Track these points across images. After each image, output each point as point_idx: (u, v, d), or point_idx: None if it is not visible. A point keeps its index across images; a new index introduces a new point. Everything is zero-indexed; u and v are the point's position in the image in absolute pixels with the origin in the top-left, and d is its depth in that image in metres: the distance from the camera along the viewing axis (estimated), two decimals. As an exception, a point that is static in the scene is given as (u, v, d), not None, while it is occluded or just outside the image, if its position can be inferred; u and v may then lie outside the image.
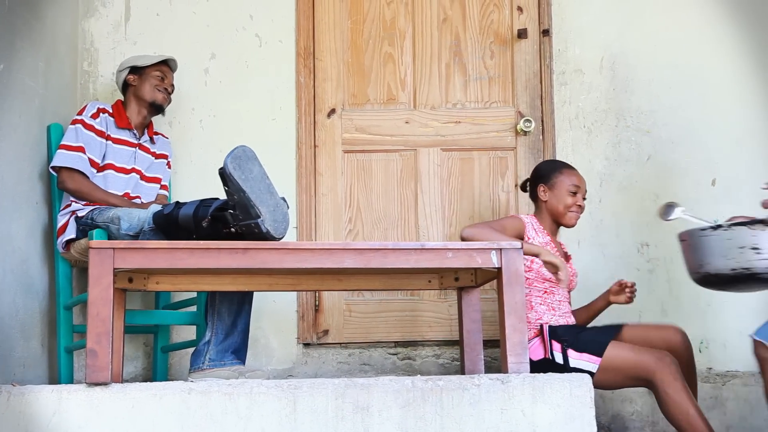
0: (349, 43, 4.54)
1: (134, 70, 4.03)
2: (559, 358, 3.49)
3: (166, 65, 4.09)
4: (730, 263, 3.00)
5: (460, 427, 2.77)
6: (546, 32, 4.50)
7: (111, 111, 3.97)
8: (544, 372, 3.43)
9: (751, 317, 4.25)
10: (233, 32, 4.47)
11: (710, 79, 4.43)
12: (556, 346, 3.52)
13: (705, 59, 4.43)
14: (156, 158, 4.09)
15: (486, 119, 4.47)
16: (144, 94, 4.01)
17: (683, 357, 3.54)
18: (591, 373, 3.39)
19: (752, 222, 2.99)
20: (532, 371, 3.50)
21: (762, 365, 3.22)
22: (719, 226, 3.03)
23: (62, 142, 3.81)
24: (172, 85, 4.10)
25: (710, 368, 4.23)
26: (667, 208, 3.37)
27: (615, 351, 3.43)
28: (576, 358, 3.47)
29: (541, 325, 3.60)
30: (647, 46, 4.45)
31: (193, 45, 4.44)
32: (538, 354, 3.55)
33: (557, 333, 3.56)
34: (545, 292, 3.69)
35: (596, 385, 3.38)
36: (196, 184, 4.25)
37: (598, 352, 3.44)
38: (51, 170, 3.82)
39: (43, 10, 3.97)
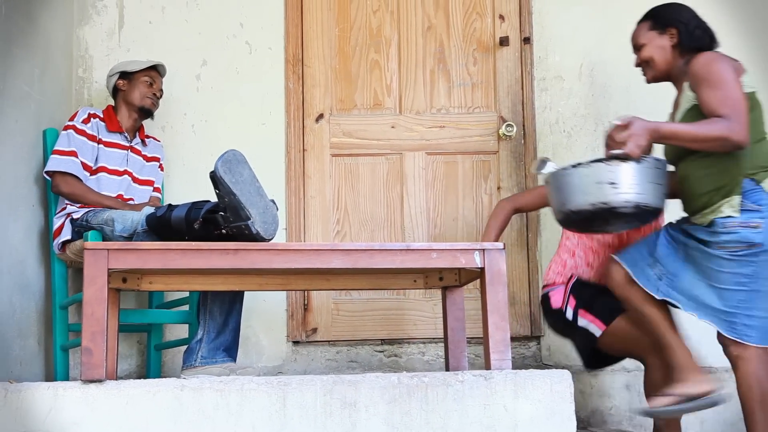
0: (336, 50, 4.54)
1: (124, 75, 4.03)
2: (569, 314, 3.48)
3: (155, 70, 4.08)
4: (588, 198, 2.95)
5: (445, 422, 2.78)
6: (527, 40, 4.51)
7: (102, 116, 3.97)
8: (556, 320, 3.46)
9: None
10: (224, 40, 4.47)
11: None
12: (572, 302, 3.49)
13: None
14: (147, 161, 4.08)
15: (469, 124, 4.48)
16: (133, 99, 4.00)
17: None
18: (594, 336, 3.41)
19: (609, 158, 2.94)
20: (547, 316, 3.58)
21: (626, 299, 3.21)
22: (579, 164, 2.98)
23: (55, 148, 3.81)
24: (161, 90, 4.09)
25: (685, 364, 4.24)
26: (540, 163, 3.30)
27: (621, 324, 3.38)
28: (583, 318, 3.46)
29: (571, 276, 3.58)
30: (624, 54, 4.42)
31: (185, 52, 4.43)
32: (557, 302, 3.54)
33: (578, 289, 3.52)
34: (592, 250, 3.64)
35: (598, 345, 3.43)
36: (188, 187, 4.24)
37: (607, 320, 3.40)
38: (45, 175, 3.81)
39: (38, 18, 3.96)
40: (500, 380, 2.82)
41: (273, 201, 3.26)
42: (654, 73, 3.39)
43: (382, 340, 4.34)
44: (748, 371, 3.14)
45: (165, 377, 3.76)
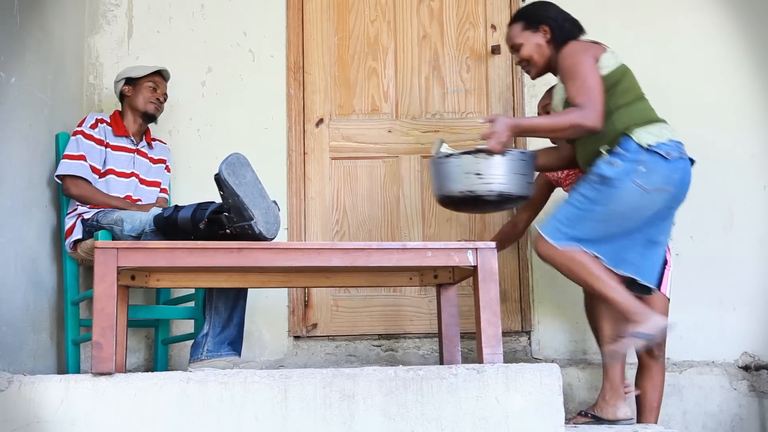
0: (335, 58, 4.55)
1: (129, 81, 4.02)
2: None
3: (159, 75, 4.08)
4: (458, 186, 3.12)
5: (439, 414, 2.78)
6: (518, 48, 4.50)
7: (109, 121, 3.97)
8: None
9: (705, 311, 4.29)
10: (228, 48, 4.47)
11: (667, 91, 4.44)
12: None
13: (665, 74, 4.45)
14: (154, 163, 4.08)
15: (463, 129, 4.48)
16: (137, 104, 4.00)
17: None
18: None
19: (476, 151, 3.10)
20: None
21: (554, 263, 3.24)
22: (451, 155, 3.13)
23: (65, 153, 3.81)
24: (165, 94, 4.09)
25: (668, 358, 4.24)
26: (438, 144, 3.42)
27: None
28: None
29: None
30: (611, 61, 4.47)
31: (191, 59, 4.43)
32: None
33: None
34: None
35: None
36: (194, 188, 4.24)
37: None
38: (56, 178, 3.82)
39: (51, 27, 3.96)
40: (492, 373, 2.82)
41: (275, 202, 3.26)
42: (536, 70, 3.50)
43: (379, 335, 4.34)
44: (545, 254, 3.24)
45: (172, 370, 3.76)
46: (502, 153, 3.12)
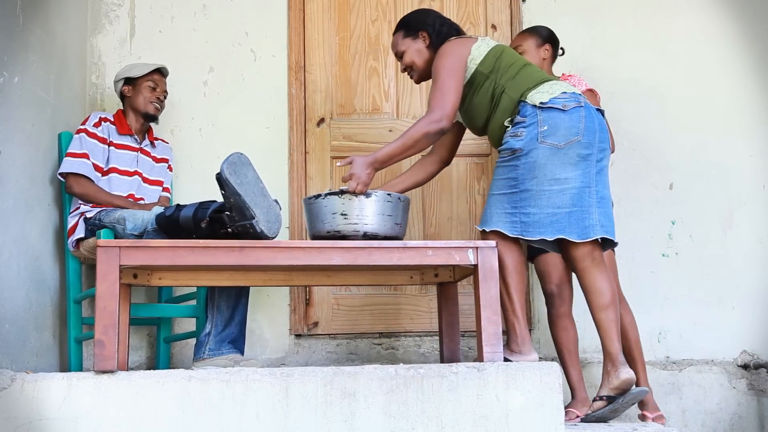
0: (337, 58, 4.54)
1: (128, 81, 4.01)
2: None
3: (158, 73, 4.07)
4: (325, 226, 3.18)
5: (440, 412, 2.78)
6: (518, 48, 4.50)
7: (112, 119, 3.96)
8: None
9: (705, 310, 4.29)
10: (230, 48, 4.47)
11: (667, 92, 4.46)
12: None
13: (664, 74, 4.46)
14: (157, 162, 4.08)
15: (463, 128, 4.48)
16: (137, 105, 3.99)
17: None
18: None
19: (341, 192, 3.16)
20: None
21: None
22: (319, 195, 3.20)
23: (68, 151, 3.81)
24: (165, 92, 4.08)
25: (668, 356, 4.25)
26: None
27: None
28: None
29: None
30: (609, 62, 4.47)
31: (193, 59, 4.43)
32: None
33: None
34: None
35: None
36: (196, 187, 4.24)
37: None
38: (59, 176, 3.81)
39: (54, 27, 3.96)
40: (492, 372, 2.82)
41: (276, 201, 3.26)
42: (419, 74, 3.58)
43: (380, 333, 4.34)
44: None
45: (173, 368, 3.76)
46: (365, 194, 3.16)
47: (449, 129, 3.42)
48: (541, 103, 3.23)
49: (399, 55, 3.59)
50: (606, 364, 3.19)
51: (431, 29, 3.50)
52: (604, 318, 3.20)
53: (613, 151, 3.60)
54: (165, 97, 4.07)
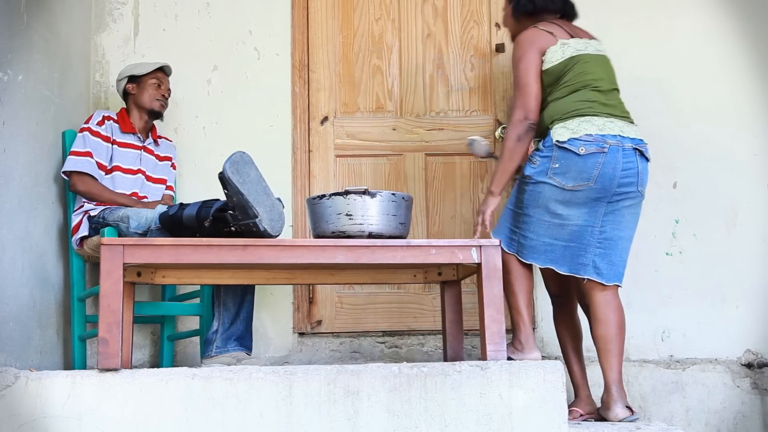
0: (340, 57, 4.54)
1: (132, 78, 4.02)
2: None
3: (162, 71, 4.07)
4: (330, 227, 3.20)
5: (443, 410, 2.78)
6: (522, 47, 4.50)
7: (116, 118, 3.97)
8: None
9: (708, 309, 4.28)
10: (234, 46, 4.47)
11: (671, 91, 4.45)
12: None
13: (668, 73, 4.44)
14: (160, 160, 4.08)
15: (467, 126, 4.48)
16: (143, 102, 4.00)
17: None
18: None
19: (346, 192, 3.18)
20: None
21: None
22: (324, 196, 3.21)
23: (72, 149, 3.81)
24: (169, 90, 4.09)
25: (671, 355, 4.25)
26: (471, 141, 3.75)
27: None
28: None
29: None
30: (614, 61, 4.44)
31: (197, 58, 4.43)
32: None
33: None
34: None
35: None
36: (200, 185, 4.24)
37: None
38: (63, 175, 3.82)
39: (58, 25, 3.96)
40: (496, 370, 2.82)
41: (279, 199, 3.26)
42: (510, 37, 3.71)
43: (383, 331, 4.34)
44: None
45: (177, 366, 3.76)
46: (370, 194, 3.18)
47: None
48: (558, 141, 3.26)
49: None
50: (604, 392, 3.30)
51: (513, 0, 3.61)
52: (602, 347, 3.29)
53: None
54: (169, 95, 4.07)
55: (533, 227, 3.29)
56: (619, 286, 3.32)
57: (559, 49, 3.37)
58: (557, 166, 3.24)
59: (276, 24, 4.49)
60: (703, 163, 4.41)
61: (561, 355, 4.09)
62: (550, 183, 3.25)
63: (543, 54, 3.38)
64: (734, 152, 4.41)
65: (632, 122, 3.43)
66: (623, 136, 3.29)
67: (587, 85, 3.36)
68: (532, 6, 3.55)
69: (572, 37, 3.44)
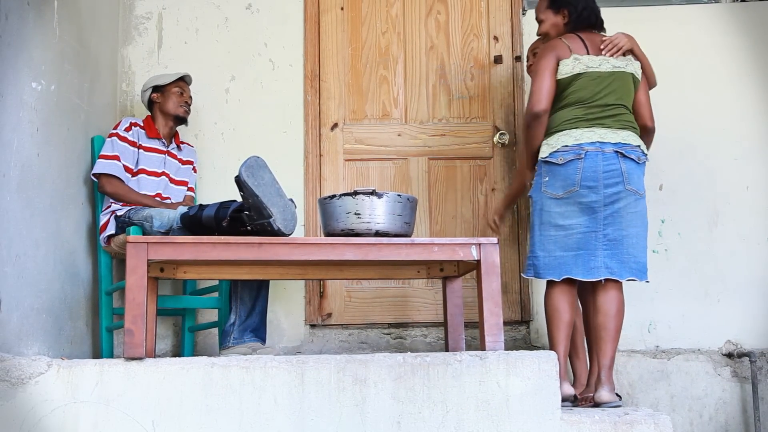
0: (349, 67, 4.54)
1: (156, 89, 4.03)
2: None
3: (183, 81, 4.09)
4: (339, 225, 3.18)
5: (444, 397, 2.78)
6: (518, 58, 4.50)
7: (142, 124, 3.97)
8: None
9: (692, 302, 4.27)
10: (250, 57, 4.47)
11: (657, 100, 4.43)
12: None
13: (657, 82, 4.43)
14: (183, 164, 4.09)
15: (467, 132, 4.47)
16: (168, 109, 4.00)
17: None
18: None
19: (355, 193, 3.18)
20: None
21: None
22: (334, 196, 3.20)
23: (101, 153, 3.82)
24: (190, 97, 4.11)
25: (657, 346, 4.24)
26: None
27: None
28: None
29: None
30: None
31: (216, 68, 4.44)
32: None
33: None
34: None
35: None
36: (218, 187, 4.24)
37: None
38: (92, 177, 3.83)
39: (87, 38, 3.97)
40: (494, 360, 2.82)
41: (292, 200, 3.27)
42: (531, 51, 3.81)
43: (389, 324, 4.34)
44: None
45: (197, 356, 3.77)
46: (377, 194, 3.18)
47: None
48: (542, 158, 3.36)
49: (538, 21, 3.64)
50: (590, 375, 3.42)
51: (573, 9, 3.52)
52: (598, 335, 3.31)
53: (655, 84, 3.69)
54: (191, 101, 4.09)
55: (544, 245, 3.33)
56: (633, 280, 3.36)
57: (570, 63, 3.39)
58: (547, 179, 3.33)
59: (289, 37, 4.50)
60: (687, 167, 4.40)
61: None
62: (545, 196, 3.33)
63: (558, 63, 3.40)
64: (717, 157, 4.40)
65: (629, 129, 3.40)
66: (603, 142, 3.31)
67: (580, 102, 3.38)
68: (594, 19, 3.54)
69: (588, 53, 3.42)
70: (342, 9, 4.56)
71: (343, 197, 3.19)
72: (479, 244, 3.05)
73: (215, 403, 2.74)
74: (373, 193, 3.16)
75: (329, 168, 4.44)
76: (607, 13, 4.49)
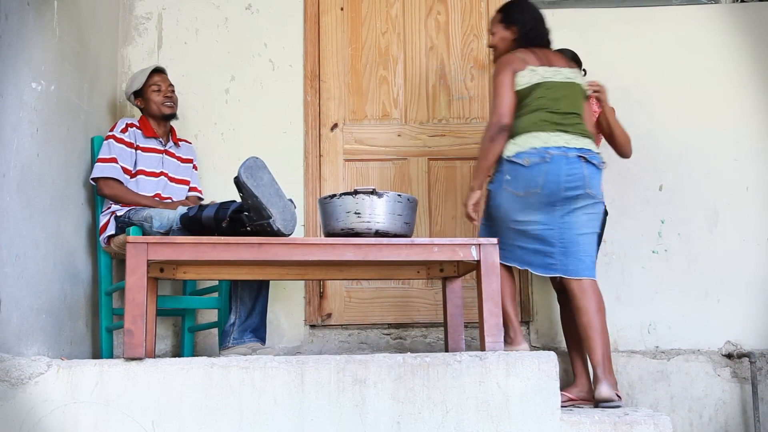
0: (349, 68, 4.54)
1: (136, 94, 4.00)
2: None
3: (157, 73, 4.03)
4: (339, 224, 3.19)
5: (444, 397, 2.78)
6: (518, 59, 4.49)
7: (138, 124, 3.95)
8: None
9: (692, 303, 4.27)
10: (250, 58, 4.47)
11: (657, 101, 4.44)
12: None
13: (655, 84, 4.44)
14: (182, 162, 4.07)
15: (467, 133, 4.47)
16: (152, 111, 3.98)
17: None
18: None
19: (355, 192, 3.19)
20: None
21: None
22: (334, 195, 3.21)
23: (98, 156, 3.81)
24: (171, 87, 4.03)
25: (657, 346, 4.24)
26: None
27: None
28: None
29: None
30: (603, 71, 4.43)
31: (216, 69, 4.43)
32: None
33: None
34: None
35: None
36: (219, 187, 4.23)
37: None
38: (91, 181, 3.82)
39: (88, 39, 3.97)
40: (494, 360, 2.81)
41: (291, 200, 3.26)
42: (497, 56, 3.68)
43: (389, 324, 4.34)
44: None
45: (197, 356, 3.77)
46: (377, 194, 3.19)
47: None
48: (506, 156, 3.41)
49: (490, 32, 3.71)
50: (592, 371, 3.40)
51: (521, 27, 3.59)
52: (585, 334, 3.35)
53: (629, 155, 3.86)
54: (173, 91, 4.03)
55: (503, 235, 3.39)
56: (583, 279, 3.39)
57: (527, 74, 3.46)
58: (509, 178, 3.38)
59: (289, 38, 4.50)
60: (687, 167, 4.40)
61: (556, 346, 4.11)
62: (506, 193, 3.38)
63: (515, 76, 3.46)
64: (717, 158, 4.40)
65: (588, 137, 3.48)
66: (568, 147, 3.39)
67: (542, 108, 3.44)
68: (541, 40, 3.61)
69: (542, 65, 3.50)
70: (342, 9, 4.56)
71: (343, 196, 3.19)
72: (479, 245, 3.05)
73: (215, 404, 2.74)
74: (373, 192, 3.16)
75: (329, 168, 4.44)
76: (607, 13, 4.53)
